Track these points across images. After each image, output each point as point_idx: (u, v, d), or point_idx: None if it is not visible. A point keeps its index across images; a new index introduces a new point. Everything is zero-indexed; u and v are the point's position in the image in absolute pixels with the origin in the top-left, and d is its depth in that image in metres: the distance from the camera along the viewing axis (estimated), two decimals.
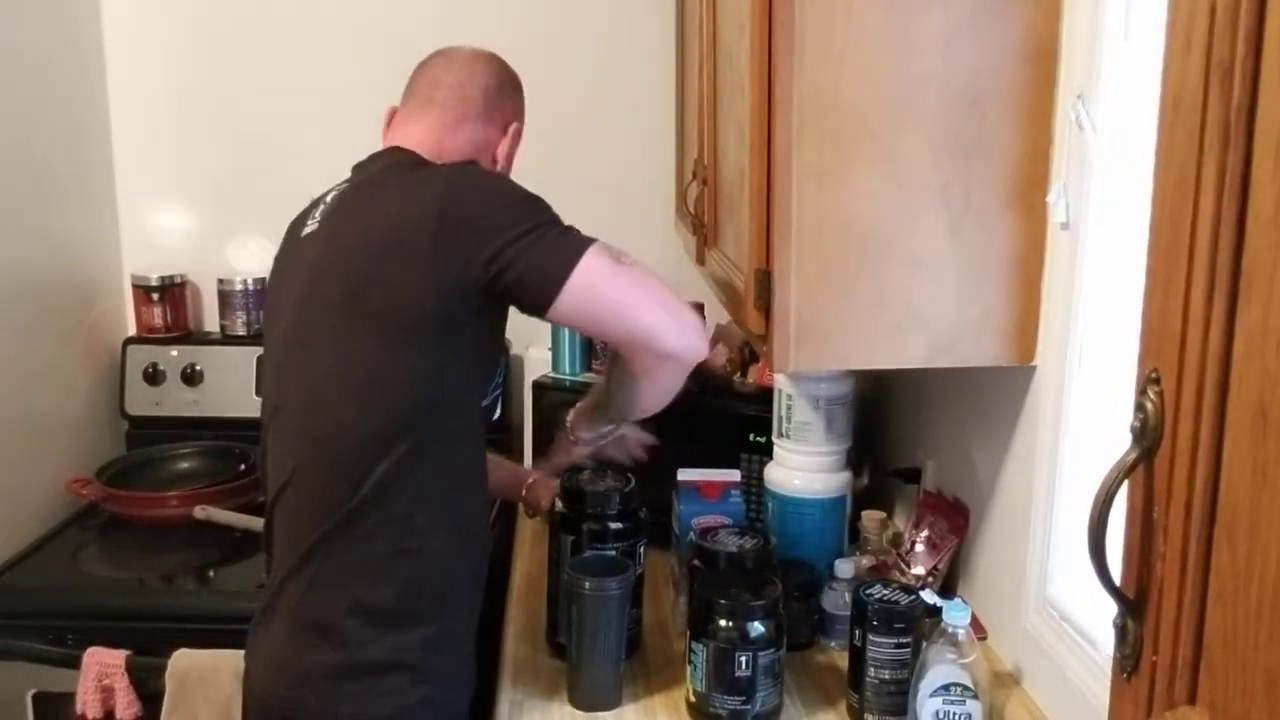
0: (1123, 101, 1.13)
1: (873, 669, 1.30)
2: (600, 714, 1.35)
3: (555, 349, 2.05)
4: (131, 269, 2.36)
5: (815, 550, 1.59)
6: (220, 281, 2.35)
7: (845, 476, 1.64)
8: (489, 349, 1.34)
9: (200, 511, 1.98)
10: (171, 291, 2.34)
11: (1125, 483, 0.64)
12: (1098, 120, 1.15)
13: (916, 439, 1.75)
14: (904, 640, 1.29)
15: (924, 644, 1.26)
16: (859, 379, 1.66)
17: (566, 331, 2.02)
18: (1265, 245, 0.53)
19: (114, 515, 2.06)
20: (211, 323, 2.41)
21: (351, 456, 1.25)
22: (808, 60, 1.18)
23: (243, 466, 2.10)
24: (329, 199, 1.37)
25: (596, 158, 2.34)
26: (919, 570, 1.53)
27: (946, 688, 1.21)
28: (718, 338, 2.11)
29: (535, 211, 1.25)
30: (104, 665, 1.69)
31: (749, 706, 1.29)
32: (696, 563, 1.44)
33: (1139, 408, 0.62)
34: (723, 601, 1.29)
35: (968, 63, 1.20)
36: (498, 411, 1.41)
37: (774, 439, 1.66)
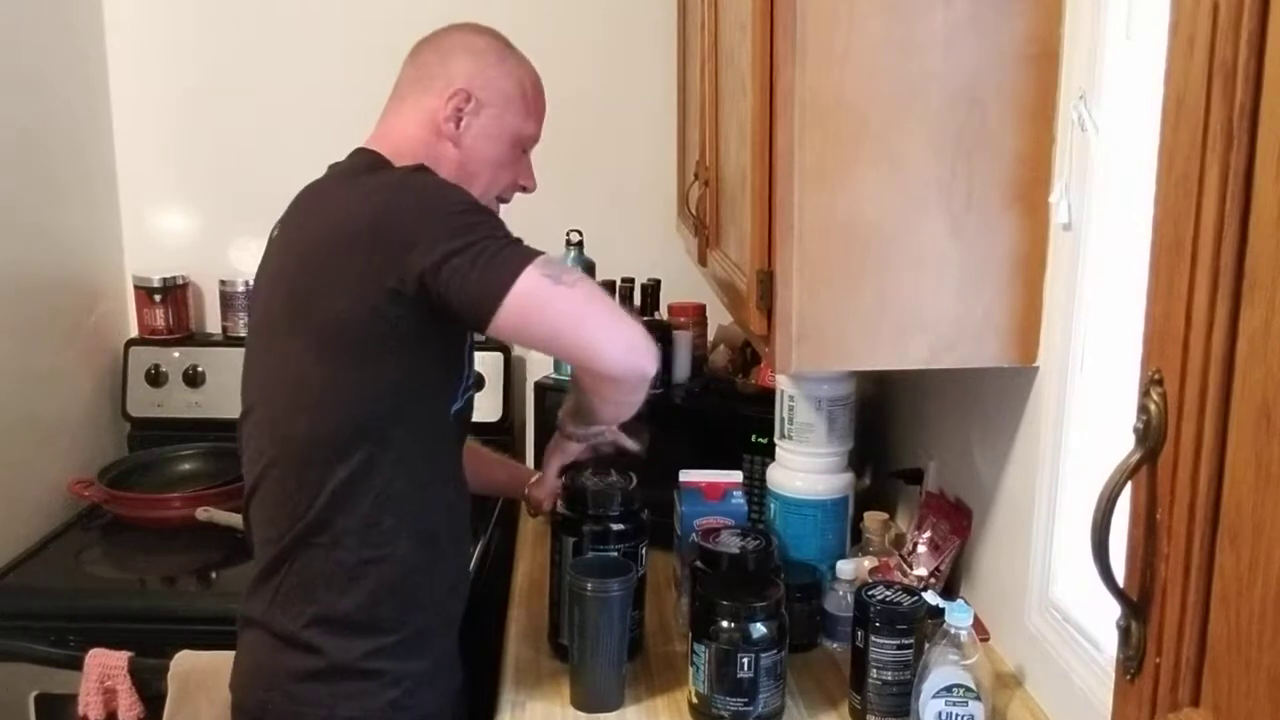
0: (1125, 102, 1.12)
1: (875, 670, 1.30)
2: (602, 715, 1.35)
3: None
4: (133, 270, 2.36)
5: (817, 551, 1.59)
6: (222, 282, 2.35)
7: (847, 477, 1.64)
8: (445, 357, 1.29)
9: (202, 513, 1.98)
10: (173, 292, 2.34)
11: (1128, 484, 0.64)
12: (1100, 120, 1.15)
13: (918, 440, 1.75)
14: (906, 641, 1.28)
15: (926, 645, 1.26)
16: (861, 380, 1.65)
17: None
18: (1268, 246, 0.52)
19: (116, 517, 2.06)
20: (213, 324, 2.41)
21: (305, 464, 1.25)
22: (809, 60, 1.18)
23: None
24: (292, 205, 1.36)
25: (598, 159, 2.34)
26: (921, 571, 1.53)
27: (949, 689, 1.21)
28: (719, 339, 2.11)
29: (473, 225, 1.18)
30: (106, 667, 1.69)
31: (751, 708, 1.29)
32: (698, 564, 1.44)
33: (1142, 409, 0.62)
34: (725, 603, 1.29)
35: (969, 63, 1.20)
36: (473, 413, 1.38)
37: (776, 440, 1.66)
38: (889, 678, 1.29)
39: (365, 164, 1.32)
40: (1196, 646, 0.59)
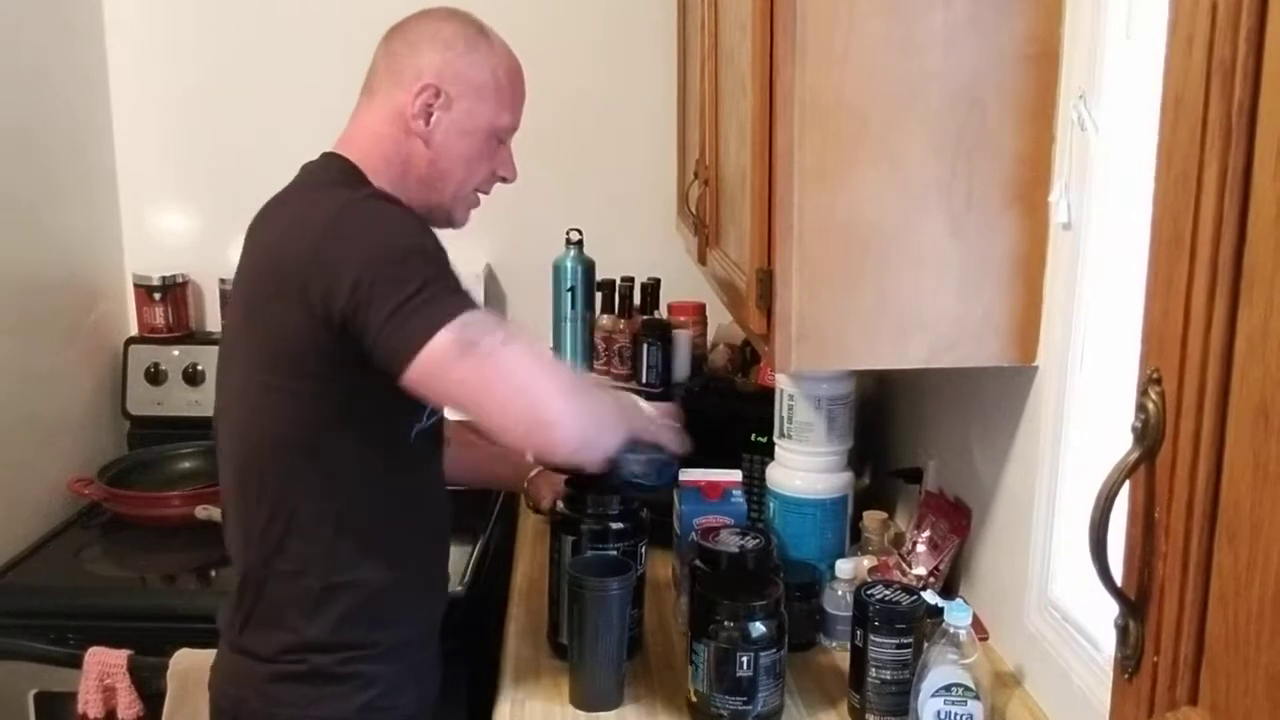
0: (1125, 101, 1.12)
1: (874, 669, 1.30)
2: (601, 714, 1.35)
3: (557, 349, 2.05)
4: (133, 268, 2.36)
5: (817, 550, 1.59)
6: (222, 281, 2.35)
7: (847, 477, 1.64)
8: (393, 383, 1.17)
9: (202, 511, 1.98)
10: (173, 291, 2.34)
11: (1127, 483, 0.64)
12: (1099, 120, 1.15)
13: (918, 439, 1.75)
14: (905, 641, 1.29)
15: (925, 644, 1.26)
16: (860, 379, 1.65)
17: (568, 332, 2.03)
18: (1267, 245, 0.52)
19: (116, 515, 2.06)
20: (213, 322, 2.41)
21: (261, 483, 1.25)
22: (809, 60, 1.18)
23: None
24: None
25: (598, 158, 2.35)
26: (920, 570, 1.53)
27: (948, 688, 1.21)
28: (719, 338, 2.11)
29: (406, 272, 1.11)
30: (106, 665, 1.69)
31: (750, 707, 1.29)
32: (698, 563, 1.44)
33: (1140, 408, 0.62)
34: (724, 602, 1.29)
35: (969, 62, 1.20)
36: (447, 434, 1.36)
37: (775, 439, 1.66)
38: (888, 677, 1.29)
39: (328, 178, 1.27)
40: (1194, 645, 0.59)
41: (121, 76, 2.32)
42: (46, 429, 2.08)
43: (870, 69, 1.19)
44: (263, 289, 1.21)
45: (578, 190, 2.31)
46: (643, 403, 1.40)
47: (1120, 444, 0.64)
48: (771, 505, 1.65)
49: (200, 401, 2.30)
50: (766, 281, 1.26)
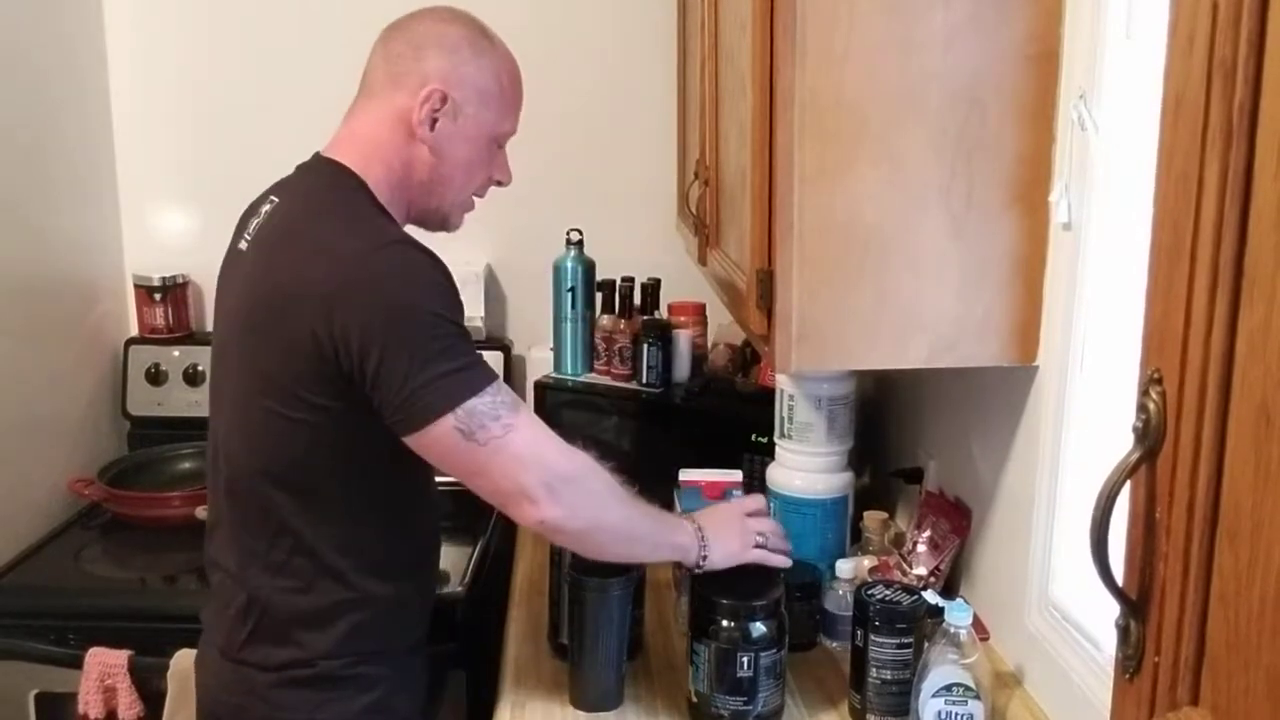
0: (1125, 101, 1.12)
1: (874, 669, 1.30)
2: (602, 714, 1.35)
3: (557, 349, 2.05)
4: (133, 269, 2.36)
5: (817, 550, 1.59)
6: None
7: (847, 477, 1.64)
8: None
9: (202, 511, 1.95)
10: (173, 291, 2.34)
11: (1127, 483, 0.64)
12: (1099, 120, 1.15)
13: (918, 439, 1.75)
14: (906, 641, 1.28)
15: (926, 644, 1.26)
16: (861, 379, 1.66)
17: (569, 332, 2.02)
18: (1267, 245, 0.52)
19: (116, 515, 2.06)
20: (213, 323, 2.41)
21: (262, 508, 1.24)
22: (809, 60, 1.18)
23: None
24: (263, 211, 1.29)
25: (598, 158, 2.35)
26: (921, 570, 1.53)
27: (948, 688, 1.21)
28: (719, 338, 2.11)
29: (424, 338, 1.13)
30: (106, 665, 1.69)
31: (751, 707, 1.29)
32: None
33: (1141, 408, 0.62)
34: (724, 602, 1.29)
35: (969, 62, 1.20)
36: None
37: (776, 439, 1.66)
38: (888, 677, 1.29)
39: (335, 198, 1.24)
40: (1195, 645, 0.59)
41: (121, 77, 2.32)
42: (47, 429, 2.08)
43: (870, 69, 1.19)
44: (271, 319, 1.19)
45: (578, 190, 2.31)
46: (745, 506, 1.43)
47: (1121, 444, 0.64)
48: (772, 505, 1.65)
49: (200, 402, 2.28)
50: (767, 282, 1.26)
